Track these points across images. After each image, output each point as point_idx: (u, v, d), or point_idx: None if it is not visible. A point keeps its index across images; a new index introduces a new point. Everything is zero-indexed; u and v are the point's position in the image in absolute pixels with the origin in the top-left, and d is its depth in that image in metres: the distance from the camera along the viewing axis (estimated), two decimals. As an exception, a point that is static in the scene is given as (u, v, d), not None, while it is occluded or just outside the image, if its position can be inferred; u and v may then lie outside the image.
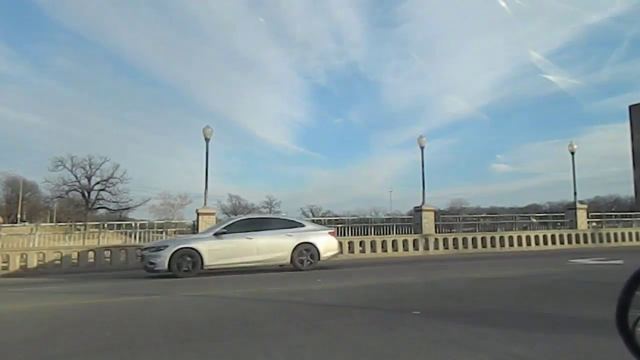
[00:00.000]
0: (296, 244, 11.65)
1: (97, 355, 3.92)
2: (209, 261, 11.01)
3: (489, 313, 5.30)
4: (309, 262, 11.66)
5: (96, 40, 77.49)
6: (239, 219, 13.31)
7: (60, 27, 70.74)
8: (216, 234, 11.46)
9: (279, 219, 13.74)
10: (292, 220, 13.03)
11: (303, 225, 12.47)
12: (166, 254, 10.76)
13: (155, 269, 10.83)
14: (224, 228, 11.67)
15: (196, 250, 10.95)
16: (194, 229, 17.48)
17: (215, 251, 11.12)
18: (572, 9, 56.40)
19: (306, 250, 11.71)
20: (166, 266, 10.72)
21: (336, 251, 12.64)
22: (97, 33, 77.23)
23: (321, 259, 11.86)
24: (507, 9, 50.93)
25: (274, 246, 11.55)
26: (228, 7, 73.13)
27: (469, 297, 6.71)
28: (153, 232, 18.64)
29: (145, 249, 11.72)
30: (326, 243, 12.12)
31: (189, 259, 10.85)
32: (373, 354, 3.64)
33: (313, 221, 15.93)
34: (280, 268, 11.86)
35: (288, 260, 11.62)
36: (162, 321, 5.42)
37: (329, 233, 12.59)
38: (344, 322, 4.98)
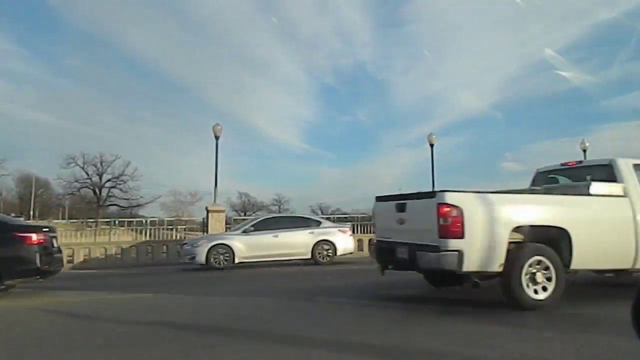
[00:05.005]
0: (316, 241, 12.43)
1: (108, 352, 3.97)
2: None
3: (500, 311, 5.25)
4: (328, 258, 12.36)
5: (108, 40, 77.81)
6: (265, 217, 14.51)
7: (73, 28, 71.30)
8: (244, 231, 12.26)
9: (299, 217, 14.37)
10: (310, 219, 13.98)
11: (320, 223, 13.22)
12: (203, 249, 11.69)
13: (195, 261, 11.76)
14: (252, 226, 12.43)
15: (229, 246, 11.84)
16: (204, 225, 17.59)
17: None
18: (583, 5, 55.50)
19: (325, 247, 12.46)
20: (204, 260, 11.59)
21: (351, 249, 13.07)
22: (109, 33, 77.60)
23: (337, 254, 12.56)
24: (520, 3, 50.24)
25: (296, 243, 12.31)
26: (237, 8, 73.12)
27: (478, 294, 6.65)
28: (163, 229, 18.76)
29: (184, 244, 12.70)
30: (343, 241, 12.76)
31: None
32: (383, 352, 3.63)
33: (328, 219, 16.38)
34: (300, 262, 12.29)
35: (309, 255, 12.34)
36: (170, 319, 5.44)
37: (343, 230, 13.04)
38: (356, 320, 4.98)
